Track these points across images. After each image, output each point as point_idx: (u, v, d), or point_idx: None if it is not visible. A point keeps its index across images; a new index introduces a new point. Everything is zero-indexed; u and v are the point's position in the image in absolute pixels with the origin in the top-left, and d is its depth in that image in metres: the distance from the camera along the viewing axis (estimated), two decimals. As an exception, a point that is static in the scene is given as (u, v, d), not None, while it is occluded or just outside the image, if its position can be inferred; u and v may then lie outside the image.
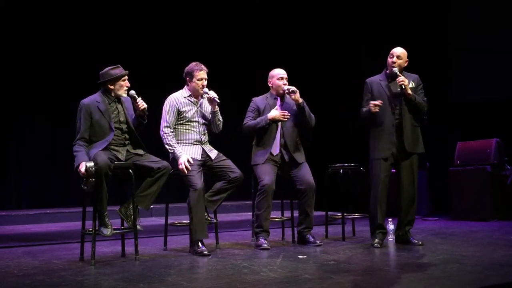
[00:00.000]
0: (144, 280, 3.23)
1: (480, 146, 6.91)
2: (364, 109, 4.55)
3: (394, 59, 4.50)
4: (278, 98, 4.79)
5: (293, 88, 4.61)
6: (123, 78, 4.19)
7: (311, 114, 4.75)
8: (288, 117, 4.63)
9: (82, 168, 3.83)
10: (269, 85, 4.85)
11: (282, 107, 4.76)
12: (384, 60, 4.62)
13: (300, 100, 4.62)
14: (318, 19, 8.42)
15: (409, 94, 4.42)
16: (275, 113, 4.62)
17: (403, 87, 4.39)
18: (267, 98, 4.82)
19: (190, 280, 3.28)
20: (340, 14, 8.34)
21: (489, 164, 6.71)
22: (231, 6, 8.29)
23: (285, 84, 4.72)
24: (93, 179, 3.82)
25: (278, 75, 4.77)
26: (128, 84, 4.21)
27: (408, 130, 4.48)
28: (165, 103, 4.52)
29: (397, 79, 4.41)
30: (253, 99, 4.86)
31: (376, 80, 4.63)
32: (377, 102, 4.39)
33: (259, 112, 4.74)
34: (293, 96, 4.61)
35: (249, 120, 4.74)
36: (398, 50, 4.54)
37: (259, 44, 8.34)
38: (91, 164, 3.83)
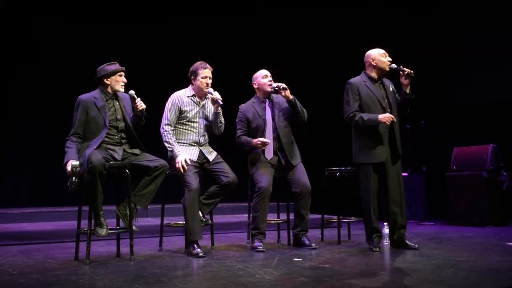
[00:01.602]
0: (139, 281, 3.23)
1: (476, 151, 6.93)
2: (366, 118, 4.38)
3: (388, 57, 4.51)
4: (266, 101, 4.76)
5: (282, 84, 4.56)
6: (119, 73, 4.19)
7: (303, 109, 4.71)
8: (267, 144, 4.58)
9: (68, 167, 3.83)
10: (254, 87, 4.80)
11: (271, 108, 4.73)
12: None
13: (291, 96, 4.59)
14: (320, 20, 8.44)
15: (409, 87, 4.42)
16: (260, 141, 4.56)
17: (412, 75, 4.36)
18: (254, 104, 4.77)
19: (185, 281, 3.28)
20: (340, 15, 8.35)
21: (485, 170, 6.73)
22: (235, 7, 8.30)
23: (270, 81, 4.69)
24: (77, 179, 3.81)
25: (261, 74, 4.74)
26: (125, 80, 4.21)
27: (398, 133, 4.50)
28: (168, 101, 4.51)
29: (404, 70, 4.37)
30: (240, 107, 4.83)
31: (360, 81, 4.55)
32: (391, 117, 4.31)
33: (249, 122, 4.72)
34: (283, 93, 4.57)
35: (240, 133, 4.74)
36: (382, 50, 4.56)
37: (261, 47, 8.33)
38: (76, 163, 3.83)
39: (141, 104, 4.17)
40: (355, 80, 4.58)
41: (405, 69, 4.40)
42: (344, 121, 4.60)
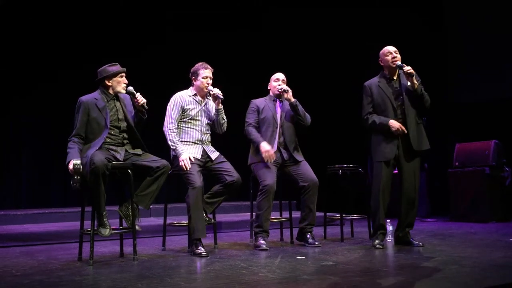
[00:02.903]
0: (143, 281, 3.23)
1: (478, 147, 6.92)
2: (378, 122, 4.46)
3: (394, 54, 4.51)
4: (277, 100, 4.90)
5: (285, 87, 4.76)
6: (120, 75, 4.20)
7: (306, 114, 4.85)
8: (272, 159, 4.61)
9: (70, 165, 3.84)
10: (268, 88, 4.98)
11: (281, 108, 4.87)
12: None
13: (293, 99, 4.75)
14: (322, 20, 8.44)
15: (415, 83, 4.40)
16: (266, 148, 4.59)
17: (411, 75, 4.35)
18: (266, 100, 4.95)
19: (188, 280, 3.28)
20: (341, 15, 8.35)
21: (488, 166, 6.73)
22: (237, 8, 8.30)
23: (279, 85, 4.83)
24: (79, 177, 3.82)
25: (274, 78, 4.93)
26: (126, 81, 4.22)
27: (413, 129, 4.47)
28: (170, 101, 4.56)
29: (404, 69, 4.38)
30: (252, 100, 4.96)
31: (375, 82, 4.61)
32: (402, 128, 4.38)
33: (259, 112, 4.84)
34: (285, 96, 4.75)
35: (252, 121, 4.81)
36: (393, 47, 4.55)
37: (265, 46, 8.33)
38: (78, 162, 3.84)
39: (141, 98, 4.17)
40: (369, 81, 4.65)
41: (404, 68, 4.40)
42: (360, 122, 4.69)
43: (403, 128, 4.41)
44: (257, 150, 4.67)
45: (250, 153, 4.83)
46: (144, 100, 4.18)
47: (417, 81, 4.45)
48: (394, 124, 4.41)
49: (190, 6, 8.05)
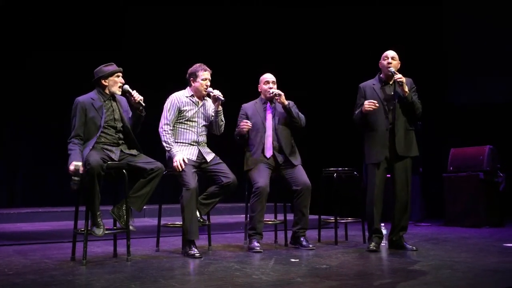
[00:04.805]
0: (136, 281, 3.22)
1: (473, 153, 6.94)
2: (357, 111, 4.56)
3: (390, 60, 4.53)
4: (268, 103, 4.84)
5: (277, 91, 4.68)
6: (116, 74, 4.18)
7: (300, 114, 4.80)
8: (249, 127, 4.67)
9: (71, 167, 3.83)
10: (259, 90, 4.91)
11: (272, 110, 4.81)
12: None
13: (286, 102, 4.69)
14: (319, 22, 8.46)
15: (406, 91, 4.43)
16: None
17: (401, 83, 4.38)
18: (256, 104, 4.89)
19: (182, 282, 3.27)
20: (340, 16, 8.37)
21: (482, 171, 6.74)
22: (234, 7, 8.30)
23: (271, 88, 4.77)
24: (78, 178, 3.82)
25: (264, 80, 4.85)
26: (122, 81, 4.21)
27: (400, 134, 4.49)
28: (167, 101, 4.53)
29: (394, 77, 4.41)
30: (242, 105, 4.92)
31: (370, 84, 4.64)
32: (372, 102, 4.38)
33: (248, 118, 4.79)
34: (278, 100, 4.67)
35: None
36: (391, 53, 4.58)
37: (260, 46, 8.33)
38: (79, 163, 3.84)
39: (138, 96, 4.16)
40: (364, 83, 4.68)
41: (395, 76, 4.43)
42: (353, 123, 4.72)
43: (374, 102, 4.40)
44: (242, 137, 4.74)
45: (244, 159, 4.79)
46: (141, 97, 4.17)
47: (411, 89, 4.49)
48: (365, 105, 4.42)
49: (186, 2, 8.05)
